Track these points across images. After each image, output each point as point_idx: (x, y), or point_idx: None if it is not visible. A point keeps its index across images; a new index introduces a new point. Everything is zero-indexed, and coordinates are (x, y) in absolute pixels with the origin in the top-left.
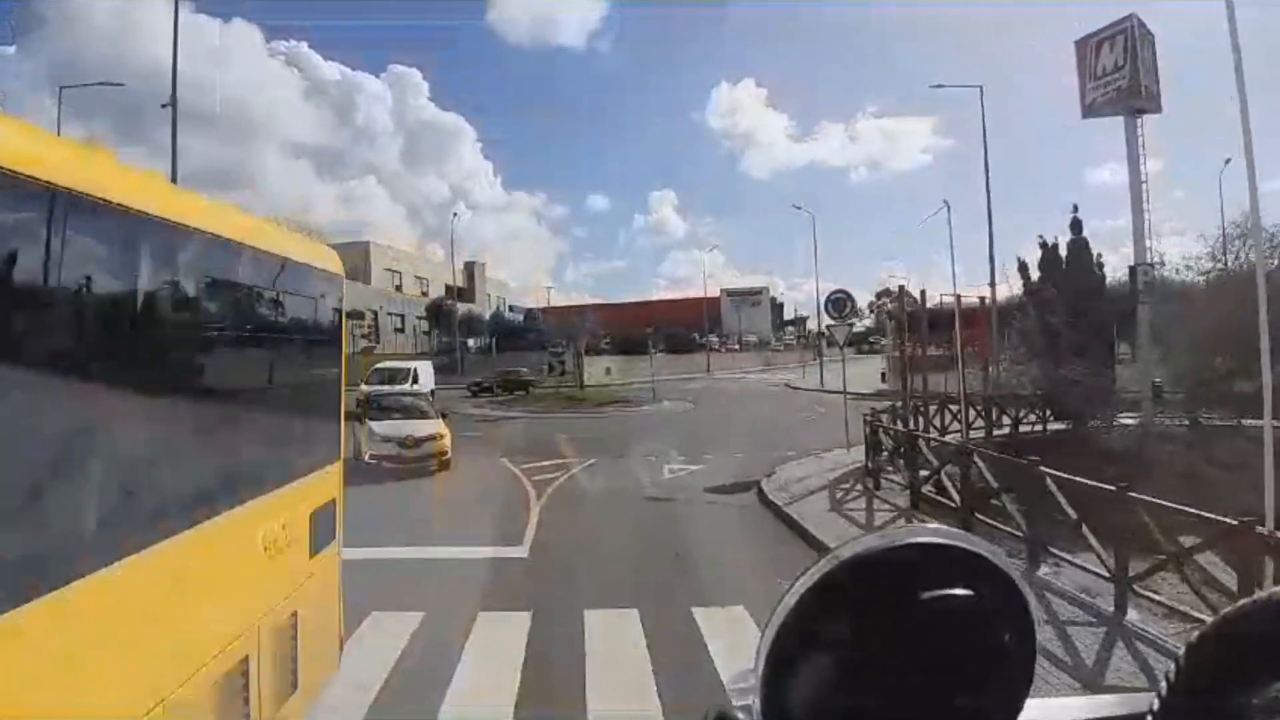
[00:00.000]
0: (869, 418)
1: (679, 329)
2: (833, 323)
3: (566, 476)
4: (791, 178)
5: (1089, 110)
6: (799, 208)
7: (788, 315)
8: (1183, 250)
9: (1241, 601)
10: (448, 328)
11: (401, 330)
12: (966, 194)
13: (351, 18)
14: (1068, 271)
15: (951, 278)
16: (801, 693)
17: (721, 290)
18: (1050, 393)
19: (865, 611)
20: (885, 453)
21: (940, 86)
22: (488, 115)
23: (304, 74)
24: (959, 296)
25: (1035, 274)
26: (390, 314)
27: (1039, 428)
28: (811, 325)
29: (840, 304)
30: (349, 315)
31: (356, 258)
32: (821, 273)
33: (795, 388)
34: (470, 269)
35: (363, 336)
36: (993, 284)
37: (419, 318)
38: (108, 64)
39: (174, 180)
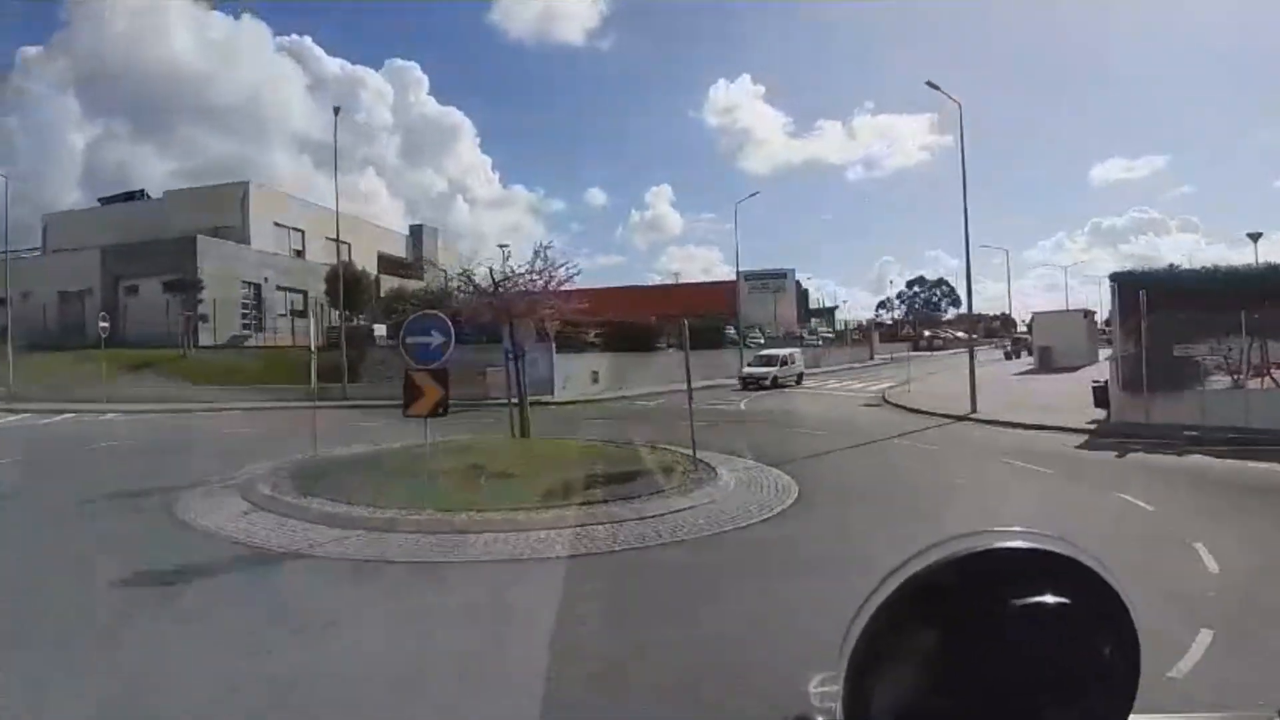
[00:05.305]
0: None
1: (697, 316)
2: None
3: None
4: (790, 174)
5: None
6: (933, 85)
7: (813, 304)
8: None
9: None
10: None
11: (302, 313)
12: (971, 189)
13: (354, 12)
14: None
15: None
16: (885, 699)
17: (739, 274)
18: None
19: (953, 618)
20: None
21: (933, 86)
22: (487, 110)
23: (306, 68)
24: None
25: None
26: (283, 289)
27: None
28: (845, 314)
29: None
30: (173, 285)
31: (227, 204)
32: (817, 270)
33: (920, 410)
34: (418, 235)
35: (200, 319)
36: None
37: (329, 294)
38: (127, 63)
39: None
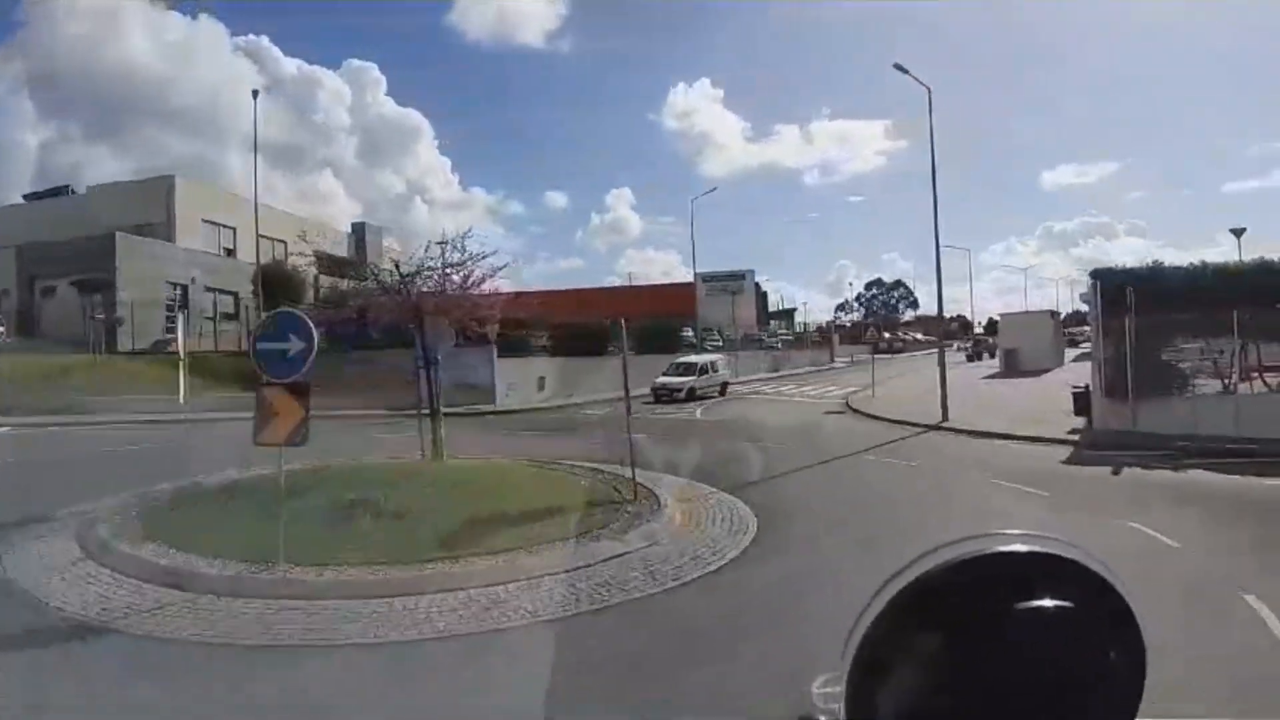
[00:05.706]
0: None
1: (654, 318)
2: None
3: None
4: (748, 178)
5: None
6: (901, 68)
7: (772, 307)
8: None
9: None
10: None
11: (234, 315)
12: (923, 194)
13: (311, 12)
14: None
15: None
16: (887, 701)
17: (696, 275)
18: None
19: (956, 621)
20: None
21: (901, 69)
22: (446, 112)
23: (264, 68)
24: None
25: None
26: (212, 290)
27: None
28: (804, 316)
29: None
30: (84, 286)
31: (153, 200)
32: (775, 273)
33: (887, 419)
34: (360, 233)
35: (116, 321)
36: None
37: (256, 295)
38: (83, 63)
39: None
